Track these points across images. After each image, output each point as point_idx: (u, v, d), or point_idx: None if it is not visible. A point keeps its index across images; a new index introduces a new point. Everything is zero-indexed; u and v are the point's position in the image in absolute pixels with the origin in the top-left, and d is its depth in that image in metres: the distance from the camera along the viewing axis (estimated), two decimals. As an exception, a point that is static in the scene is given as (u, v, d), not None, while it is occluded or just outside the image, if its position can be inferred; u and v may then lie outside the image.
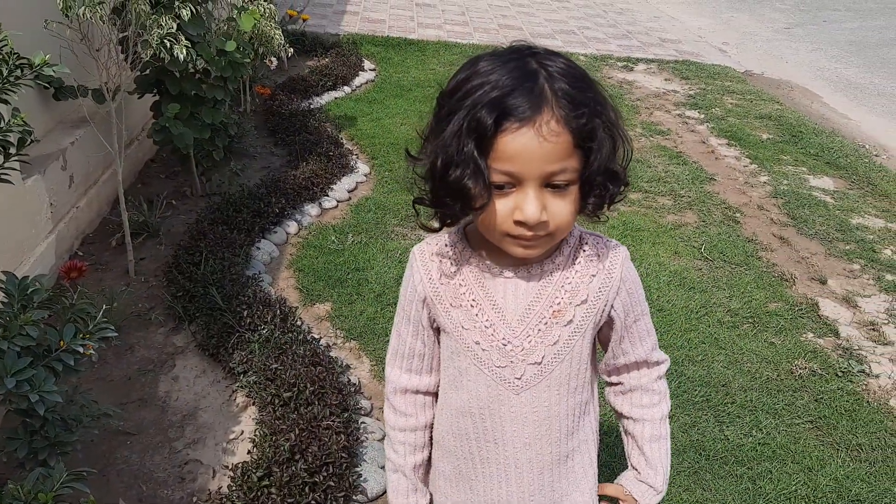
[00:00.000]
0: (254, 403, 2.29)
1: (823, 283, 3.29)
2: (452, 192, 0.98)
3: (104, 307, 1.76)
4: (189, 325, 2.62)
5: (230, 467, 2.00)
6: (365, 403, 2.37)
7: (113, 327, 1.74)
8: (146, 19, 2.73)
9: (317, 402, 2.15)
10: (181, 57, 2.67)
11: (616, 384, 1.24)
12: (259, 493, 1.86)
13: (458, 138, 0.95)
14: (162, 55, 2.71)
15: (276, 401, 2.18)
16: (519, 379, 1.09)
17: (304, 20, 6.28)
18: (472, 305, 1.09)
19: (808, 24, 8.92)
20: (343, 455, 2.01)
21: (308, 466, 1.93)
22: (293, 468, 1.91)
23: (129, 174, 3.80)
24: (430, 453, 1.26)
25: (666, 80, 6.33)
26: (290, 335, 2.45)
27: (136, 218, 3.24)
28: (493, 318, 1.09)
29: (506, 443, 1.13)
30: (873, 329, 2.99)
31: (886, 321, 3.06)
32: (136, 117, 3.77)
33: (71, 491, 1.57)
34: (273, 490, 1.86)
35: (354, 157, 4.13)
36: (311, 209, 3.53)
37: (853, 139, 5.27)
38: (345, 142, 4.31)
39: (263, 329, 2.46)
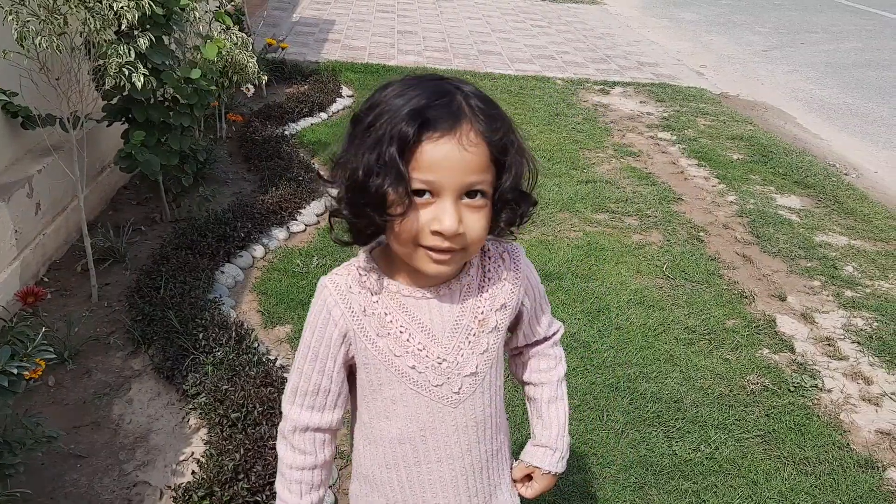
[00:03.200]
0: (205, 425, 2.32)
1: (783, 299, 3.33)
2: (372, 200, 0.98)
3: (43, 330, 1.79)
4: (147, 349, 2.65)
5: (173, 488, 2.02)
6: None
7: (51, 349, 1.76)
8: (108, 49, 2.79)
9: (265, 423, 2.17)
10: (139, 84, 2.72)
11: (517, 356, 1.32)
12: (200, 513, 1.88)
13: (380, 146, 0.96)
14: (122, 83, 2.76)
15: (225, 421, 2.20)
16: (457, 393, 1.12)
17: (284, 48, 6.38)
18: (401, 332, 1.09)
19: (786, 47, 9.05)
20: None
21: (251, 485, 1.95)
22: (235, 487, 1.94)
23: (101, 201, 3.84)
24: (326, 492, 1.24)
25: (641, 102, 6.41)
26: (245, 356, 2.48)
27: (102, 244, 3.28)
28: (423, 340, 1.10)
29: (450, 456, 1.15)
30: (829, 344, 3.02)
31: (842, 336, 3.10)
32: (108, 145, 3.82)
33: (3, 511, 1.60)
34: (213, 509, 1.88)
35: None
36: (279, 233, 3.58)
37: (824, 158, 5.35)
38: (317, 166, 4.36)
39: (218, 351, 2.49)
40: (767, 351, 2.95)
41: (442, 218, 0.97)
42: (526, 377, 1.32)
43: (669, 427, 2.47)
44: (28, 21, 2.48)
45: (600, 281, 3.37)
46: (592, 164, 4.84)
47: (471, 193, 0.99)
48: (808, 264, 3.68)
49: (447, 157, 0.96)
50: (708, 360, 2.84)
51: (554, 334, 1.31)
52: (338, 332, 1.11)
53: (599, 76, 7.13)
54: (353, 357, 1.13)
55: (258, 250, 3.43)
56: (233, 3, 5.83)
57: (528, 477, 1.31)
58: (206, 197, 3.85)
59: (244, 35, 4.47)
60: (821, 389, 2.73)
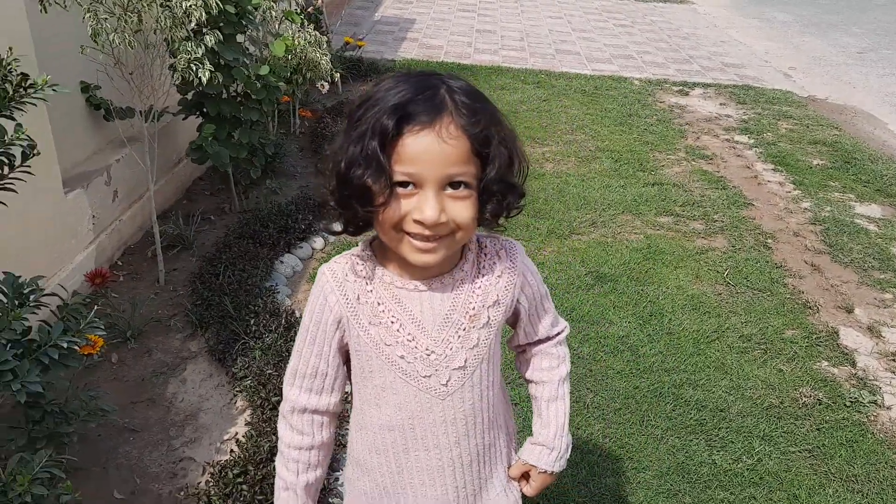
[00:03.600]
0: (249, 407, 2.41)
1: (850, 311, 3.19)
2: (355, 191, 1.01)
3: (95, 308, 1.91)
4: (203, 332, 2.78)
5: (212, 465, 2.12)
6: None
7: (102, 325, 1.88)
8: (180, 45, 2.94)
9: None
10: (204, 79, 2.85)
11: (521, 353, 1.34)
12: (233, 490, 1.97)
13: (362, 140, 1.00)
14: (190, 78, 2.90)
15: (266, 405, 2.29)
16: (445, 385, 1.14)
17: (361, 46, 6.51)
18: (392, 322, 1.12)
19: (883, 49, 8.60)
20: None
21: None
22: (268, 468, 2.01)
23: (177, 190, 4.03)
24: (325, 473, 1.28)
25: (721, 104, 6.23)
26: (292, 343, 2.56)
27: (172, 231, 3.45)
28: (413, 331, 1.12)
29: (437, 446, 1.17)
30: (894, 360, 2.87)
31: (912, 353, 2.94)
32: (184, 137, 4.00)
33: (49, 475, 1.71)
34: (245, 487, 1.96)
35: (389, 177, 4.25)
36: (339, 226, 3.66)
37: (913, 166, 5.06)
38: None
39: (267, 337, 2.59)
40: (826, 364, 2.83)
41: (423, 208, 1.00)
42: (529, 375, 1.33)
43: (712, 436, 2.41)
44: (106, 19, 2.63)
45: (656, 285, 3.31)
46: (662, 167, 4.74)
47: (454, 185, 1.01)
48: (882, 276, 3.50)
49: (427, 150, 0.98)
50: (761, 370, 2.75)
51: (558, 334, 1.31)
52: (333, 317, 1.14)
53: (679, 77, 6.97)
54: (347, 343, 1.17)
55: (318, 242, 3.53)
56: (313, 5, 6.01)
57: (526, 475, 1.31)
58: (274, 189, 3.98)
59: (318, 33, 4.59)
60: (880, 406, 2.61)
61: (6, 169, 1.80)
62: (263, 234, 3.36)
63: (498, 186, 1.04)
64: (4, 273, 1.82)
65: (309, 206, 3.66)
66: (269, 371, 2.41)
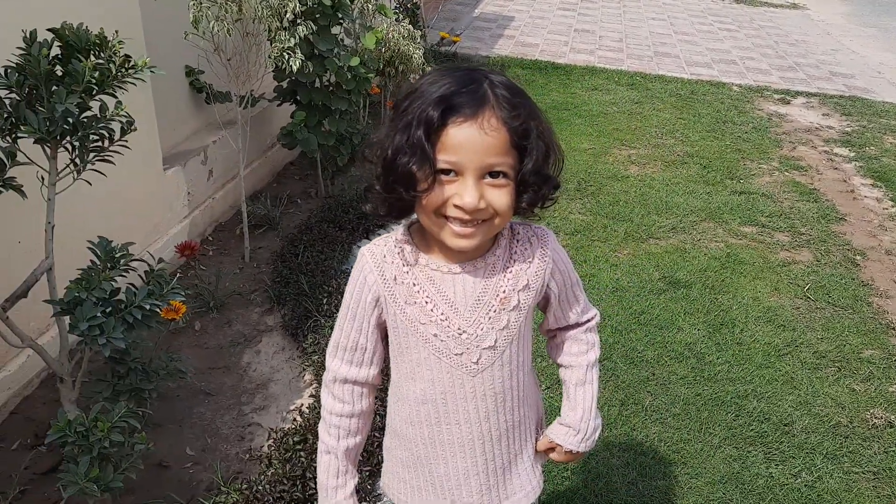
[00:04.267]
0: (316, 381, 2.53)
1: (938, 336, 3.04)
2: (400, 177, 1.07)
3: (177, 276, 2.05)
4: (280, 307, 2.92)
5: (276, 431, 2.25)
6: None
7: (182, 292, 2.02)
8: (275, 35, 3.09)
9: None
10: (295, 68, 2.99)
11: (552, 338, 1.38)
12: (292, 455, 2.08)
13: (409, 129, 1.06)
14: (282, 66, 3.05)
15: (330, 379, 2.40)
16: (475, 363, 1.20)
17: (456, 42, 6.60)
18: (426, 302, 1.18)
19: None
20: (376, 435, 2.18)
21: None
22: (326, 438, 2.12)
23: (269, 173, 4.23)
24: (364, 439, 1.35)
25: (824, 115, 5.99)
26: (360, 324, 2.67)
27: (260, 212, 3.62)
28: (447, 311, 1.19)
29: (468, 420, 1.23)
30: (981, 390, 2.73)
31: None
32: (278, 123, 4.19)
33: (127, 425, 1.87)
34: (303, 454, 2.07)
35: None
36: (383, 210, 3.75)
37: None
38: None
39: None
40: (905, 387, 2.72)
41: (463, 194, 1.06)
42: (559, 359, 1.37)
43: (772, 449, 2.37)
44: (208, 7, 2.81)
45: (731, 294, 3.25)
46: (752, 175, 4.61)
47: (493, 174, 1.07)
48: (980, 302, 3.32)
49: (469, 140, 1.04)
50: (832, 388, 2.66)
51: (588, 321, 1.35)
52: (371, 296, 1.21)
53: (782, 85, 6.73)
54: (384, 320, 1.24)
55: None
56: (411, 0, 6.14)
57: (551, 450, 1.36)
58: (359, 178, 4.11)
59: (412, 28, 4.70)
60: (959, 436, 2.49)
61: (106, 142, 1.96)
62: (344, 219, 3.50)
63: (534, 178, 1.09)
64: (98, 238, 1.99)
65: (390, 194, 3.76)
66: (336, 348, 2.52)
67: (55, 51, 1.87)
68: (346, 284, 2.88)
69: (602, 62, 7.01)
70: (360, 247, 3.39)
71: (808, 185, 4.51)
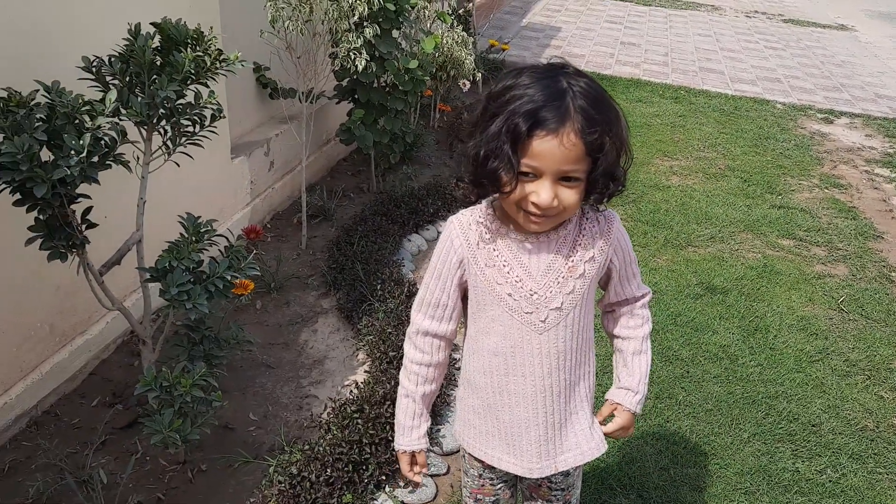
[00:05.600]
0: (369, 360, 2.70)
1: (969, 352, 3.12)
2: (488, 176, 1.26)
3: (254, 252, 2.24)
4: (335, 292, 3.11)
5: (334, 400, 2.42)
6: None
7: (257, 266, 2.21)
8: (342, 36, 3.29)
9: (416, 365, 2.51)
10: (360, 67, 3.18)
11: (609, 312, 1.54)
12: (349, 422, 2.25)
13: (498, 138, 1.23)
14: (348, 66, 3.25)
15: (384, 358, 2.57)
16: (543, 322, 1.38)
17: (504, 49, 6.77)
18: (503, 265, 1.37)
19: None
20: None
21: (394, 412, 2.29)
22: (380, 409, 2.29)
23: (323, 167, 4.43)
24: (438, 388, 1.53)
25: (867, 135, 6.03)
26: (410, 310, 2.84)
27: (316, 203, 3.82)
28: (521, 274, 1.36)
29: (532, 374, 1.41)
30: None
31: None
32: (335, 120, 4.40)
33: (205, 383, 2.06)
34: (360, 421, 2.24)
35: (516, 174, 4.48)
36: (472, 196, 3.92)
37: None
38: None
39: (390, 302, 2.88)
40: (933, 398, 2.81)
41: (540, 193, 1.23)
42: (616, 332, 1.54)
43: (799, 446, 2.48)
44: (283, 8, 3.01)
45: (766, 303, 3.36)
46: (791, 191, 4.70)
47: (567, 178, 1.24)
48: None
49: (549, 151, 1.21)
50: (861, 395, 2.77)
51: (643, 296, 1.51)
52: (456, 257, 1.40)
53: (826, 104, 6.77)
54: (466, 280, 1.41)
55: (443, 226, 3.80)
56: (463, 6, 6.33)
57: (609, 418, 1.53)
58: (409, 175, 4.29)
59: (465, 34, 4.88)
60: (984, 446, 2.57)
61: (196, 127, 2.16)
62: (395, 213, 3.68)
63: (603, 180, 1.27)
64: (187, 213, 2.18)
65: (439, 192, 3.94)
66: (390, 331, 2.69)
67: (155, 42, 2.07)
68: (397, 273, 3.07)
69: (647, 75, 7.12)
70: (410, 240, 3.58)
71: (847, 203, 4.59)
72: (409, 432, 1.51)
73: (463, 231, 1.39)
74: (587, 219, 1.39)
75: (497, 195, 1.33)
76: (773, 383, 2.79)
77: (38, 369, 2.35)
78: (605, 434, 1.51)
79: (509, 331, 1.39)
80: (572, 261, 1.36)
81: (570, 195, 1.25)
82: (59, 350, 2.43)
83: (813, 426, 2.59)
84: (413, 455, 1.53)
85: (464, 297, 1.45)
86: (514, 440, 1.45)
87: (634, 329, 1.51)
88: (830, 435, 2.55)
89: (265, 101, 3.91)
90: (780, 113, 6.38)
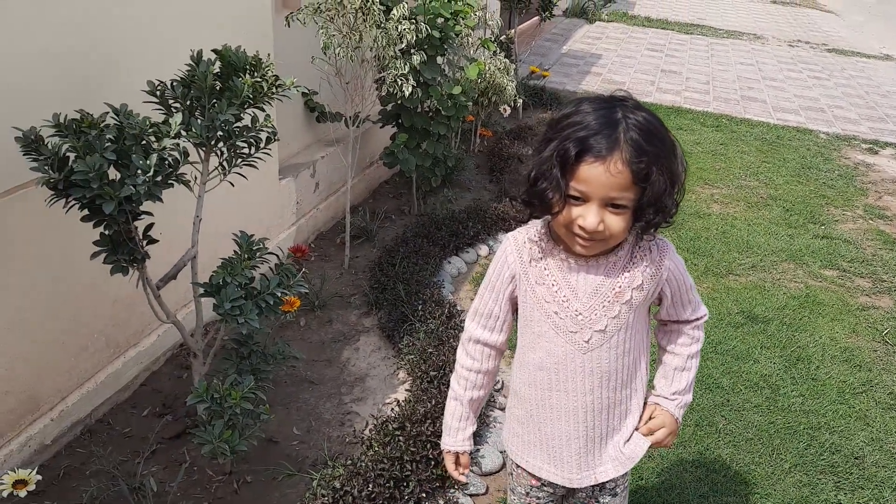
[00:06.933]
0: (410, 379, 2.75)
1: None
2: (538, 197, 1.32)
3: (303, 270, 2.31)
4: (377, 311, 3.17)
5: (376, 417, 2.47)
6: (501, 400, 2.72)
7: (306, 285, 2.27)
8: (389, 62, 3.38)
9: (456, 385, 2.55)
10: (407, 93, 3.26)
11: (664, 325, 1.58)
12: (391, 439, 2.30)
13: (550, 161, 1.29)
14: (395, 91, 3.33)
15: (425, 377, 2.62)
16: (587, 342, 1.42)
17: (545, 76, 6.84)
18: (553, 284, 1.42)
19: None
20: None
21: (434, 430, 2.33)
22: (421, 428, 2.33)
23: (365, 190, 4.52)
24: (486, 395, 1.59)
25: (913, 166, 5.95)
26: (451, 331, 2.89)
27: (359, 224, 3.90)
28: (568, 294, 1.41)
29: (574, 391, 1.45)
30: None
31: None
32: (377, 144, 4.49)
33: (254, 396, 2.12)
34: (402, 439, 2.28)
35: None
36: (525, 214, 3.97)
37: None
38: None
39: (431, 322, 2.93)
40: (982, 435, 2.76)
41: (586, 216, 1.28)
42: (664, 345, 1.58)
43: (841, 478, 2.46)
44: (333, 35, 3.11)
45: (809, 333, 3.33)
46: (835, 221, 4.66)
47: (614, 205, 1.28)
48: None
49: (597, 178, 1.25)
50: (906, 429, 2.73)
51: (697, 319, 1.54)
52: (509, 272, 1.46)
53: (871, 135, 6.71)
54: (517, 296, 1.48)
55: (483, 249, 3.85)
56: (505, 34, 6.42)
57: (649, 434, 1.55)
58: (449, 198, 4.36)
59: (507, 61, 4.96)
60: None
61: (252, 149, 2.25)
62: (436, 235, 3.74)
63: (651, 209, 1.30)
64: (241, 231, 2.26)
65: (479, 216, 3.99)
66: (430, 351, 2.74)
67: (215, 68, 2.17)
68: (437, 295, 3.13)
69: (688, 103, 7.13)
70: (450, 262, 3.63)
71: (892, 235, 4.53)
72: (455, 433, 1.59)
73: (517, 248, 1.45)
74: (639, 247, 1.42)
75: (547, 216, 1.38)
76: (815, 414, 2.77)
77: (94, 379, 2.44)
78: (647, 432, 1.53)
79: (554, 347, 1.43)
80: (619, 286, 1.40)
81: (616, 221, 1.29)
82: (114, 361, 2.52)
83: (856, 458, 2.56)
84: (458, 456, 1.60)
85: (515, 311, 1.51)
86: (555, 451, 1.50)
87: (682, 346, 1.54)
88: (874, 468, 2.52)
89: (312, 125, 4.01)
90: (823, 143, 6.33)
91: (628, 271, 1.40)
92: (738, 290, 3.67)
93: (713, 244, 4.17)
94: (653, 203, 1.29)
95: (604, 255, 1.39)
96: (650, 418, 1.54)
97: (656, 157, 1.27)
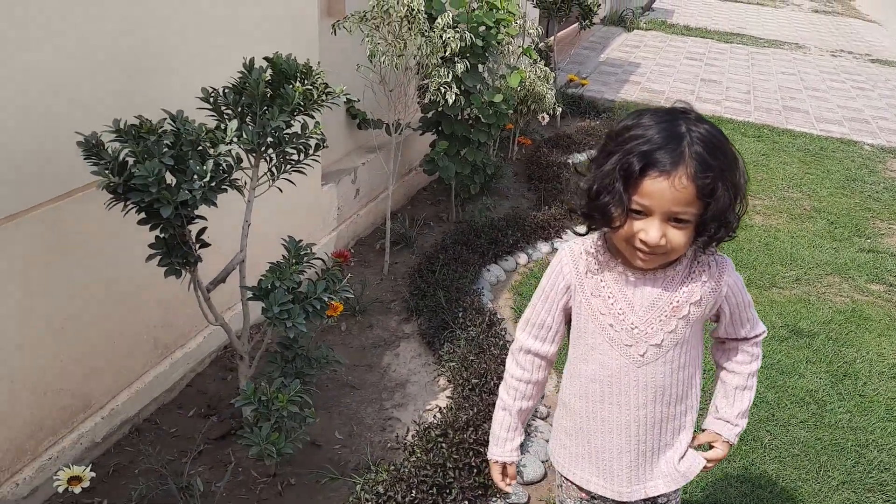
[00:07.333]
0: (450, 386, 2.75)
1: None
2: (599, 211, 1.30)
3: (348, 276, 2.33)
4: (417, 317, 3.18)
5: (418, 423, 2.48)
6: (542, 409, 2.71)
7: (351, 291, 2.29)
8: (433, 70, 3.40)
9: (498, 393, 2.54)
10: (450, 101, 3.28)
11: (720, 343, 1.56)
12: (433, 446, 2.30)
13: (612, 174, 1.27)
14: (437, 99, 3.35)
15: (466, 385, 2.62)
16: (642, 356, 1.40)
17: (584, 85, 6.82)
18: (609, 297, 1.40)
19: None
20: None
21: (477, 438, 2.33)
22: (464, 435, 2.33)
23: (404, 196, 4.54)
24: (535, 406, 1.58)
25: (962, 179, 5.82)
26: (492, 339, 2.89)
27: (398, 230, 3.92)
28: (624, 307, 1.40)
29: (627, 404, 1.44)
30: None
31: None
32: (416, 151, 4.52)
33: (300, 399, 2.14)
34: (444, 445, 2.29)
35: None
36: (543, 246, 3.97)
37: None
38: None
39: (472, 330, 2.93)
40: None
41: (648, 231, 1.26)
42: (722, 363, 1.56)
43: (890, 497, 2.40)
44: (379, 43, 3.14)
45: (856, 348, 3.27)
46: (881, 235, 4.57)
47: (676, 219, 1.26)
48: None
49: (660, 192, 1.24)
50: (959, 448, 2.67)
51: (755, 336, 1.52)
52: (564, 283, 1.45)
53: (917, 146, 6.57)
54: (570, 307, 1.46)
55: (522, 258, 3.85)
56: (545, 42, 6.42)
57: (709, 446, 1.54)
58: (488, 206, 4.36)
59: (547, 70, 4.96)
60: None
61: (301, 155, 2.27)
62: (475, 243, 3.74)
63: (713, 224, 1.28)
64: (289, 236, 2.29)
65: (518, 224, 3.99)
66: (472, 359, 2.74)
67: (266, 76, 2.20)
68: (477, 302, 3.13)
69: (728, 113, 7.05)
70: (489, 270, 3.63)
71: (941, 249, 4.43)
72: (502, 443, 1.57)
73: (573, 259, 1.44)
74: (698, 262, 1.40)
75: (607, 229, 1.37)
76: (862, 431, 2.72)
77: (142, 379, 2.48)
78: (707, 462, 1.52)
79: (608, 360, 1.42)
80: (677, 301, 1.38)
81: (678, 236, 1.27)
82: (161, 362, 2.57)
83: (906, 478, 2.51)
84: (504, 466, 1.59)
85: (568, 322, 1.50)
86: (605, 464, 1.49)
87: (742, 364, 1.52)
88: (925, 488, 2.47)
89: (353, 132, 4.05)
90: (868, 154, 6.22)
91: (686, 286, 1.39)
92: (781, 304, 3.62)
93: (756, 256, 4.11)
94: (716, 218, 1.27)
95: (661, 268, 1.38)
96: (710, 446, 1.52)
97: (721, 171, 1.25)
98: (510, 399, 1.56)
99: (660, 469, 1.49)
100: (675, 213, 1.25)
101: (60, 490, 1.77)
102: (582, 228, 1.44)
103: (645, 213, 1.26)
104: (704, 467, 1.52)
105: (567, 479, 1.57)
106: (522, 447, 2.48)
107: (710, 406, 1.57)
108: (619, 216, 1.27)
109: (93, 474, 1.81)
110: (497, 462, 1.59)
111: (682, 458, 1.50)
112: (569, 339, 1.52)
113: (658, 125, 1.27)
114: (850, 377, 3.05)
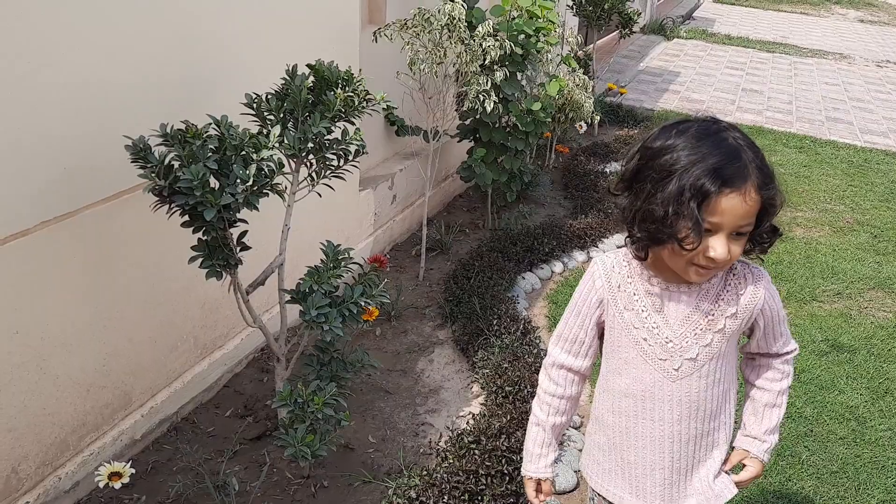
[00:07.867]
0: (484, 393, 2.76)
1: None
2: (668, 234, 1.25)
3: (385, 280, 2.35)
4: (451, 324, 3.19)
5: (451, 429, 2.48)
6: (575, 419, 2.70)
7: (387, 295, 2.31)
8: (472, 78, 3.42)
9: (531, 401, 2.54)
10: (488, 109, 3.29)
11: (750, 359, 1.54)
12: (466, 452, 2.31)
13: (681, 197, 1.23)
14: (476, 107, 3.37)
15: (500, 392, 2.62)
16: (676, 370, 1.39)
17: (622, 93, 6.78)
18: (642, 310, 1.39)
19: None
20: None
21: (509, 445, 2.33)
22: (497, 443, 2.33)
23: (440, 203, 4.56)
24: (569, 420, 1.56)
25: None
26: (526, 347, 2.89)
27: (434, 237, 3.94)
28: (658, 321, 1.38)
29: (661, 419, 1.42)
30: None
31: None
32: (453, 158, 4.53)
33: (335, 402, 2.16)
34: (476, 452, 2.29)
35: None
36: (579, 255, 3.96)
37: None
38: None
39: (506, 337, 2.93)
40: None
41: (717, 248, 1.24)
42: (753, 380, 1.53)
43: (932, 519, 2.35)
44: (419, 51, 3.17)
45: (883, 359, 3.20)
46: (927, 249, 4.47)
47: (739, 233, 1.26)
48: None
49: (732, 208, 1.22)
50: None
51: (787, 353, 1.49)
52: (596, 297, 1.43)
53: (965, 160, 6.41)
54: (603, 321, 1.45)
55: (557, 266, 3.84)
56: (584, 50, 6.40)
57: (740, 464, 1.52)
58: (524, 214, 4.36)
59: (586, 78, 4.95)
60: None
61: (341, 161, 2.30)
62: (511, 250, 3.75)
63: (769, 232, 1.30)
64: (327, 241, 2.32)
65: (554, 232, 3.98)
66: (506, 366, 2.74)
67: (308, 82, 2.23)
68: (512, 310, 3.12)
69: (770, 123, 6.96)
70: (524, 278, 3.63)
71: None
72: (536, 460, 1.55)
73: (606, 272, 1.42)
74: (734, 274, 1.39)
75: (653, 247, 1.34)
76: (891, 448, 2.66)
77: (181, 378, 2.53)
78: (735, 483, 1.50)
79: (642, 374, 1.41)
80: (713, 314, 1.37)
81: (736, 248, 1.27)
82: (200, 362, 2.61)
83: (947, 499, 2.45)
84: (539, 482, 1.57)
85: (601, 336, 1.49)
86: (637, 481, 1.47)
87: (772, 382, 1.50)
88: (968, 510, 2.41)
89: (391, 138, 4.08)
90: (917, 167, 6.09)
91: (722, 299, 1.37)
92: (822, 318, 3.56)
93: (796, 269, 4.05)
94: (772, 225, 1.29)
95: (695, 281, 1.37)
96: (741, 466, 1.50)
97: (773, 177, 1.27)
98: (543, 415, 1.54)
99: (693, 487, 1.47)
100: (740, 226, 1.24)
101: (101, 485, 1.82)
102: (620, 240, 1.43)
103: (713, 230, 1.24)
104: (739, 485, 1.50)
105: (599, 495, 1.56)
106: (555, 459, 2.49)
107: (741, 424, 1.55)
108: (693, 239, 1.23)
109: (132, 471, 1.85)
110: (531, 478, 1.57)
111: (717, 476, 1.48)
112: (602, 354, 1.51)
113: (706, 141, 1.26)
114: (892, 394, 2.98)
